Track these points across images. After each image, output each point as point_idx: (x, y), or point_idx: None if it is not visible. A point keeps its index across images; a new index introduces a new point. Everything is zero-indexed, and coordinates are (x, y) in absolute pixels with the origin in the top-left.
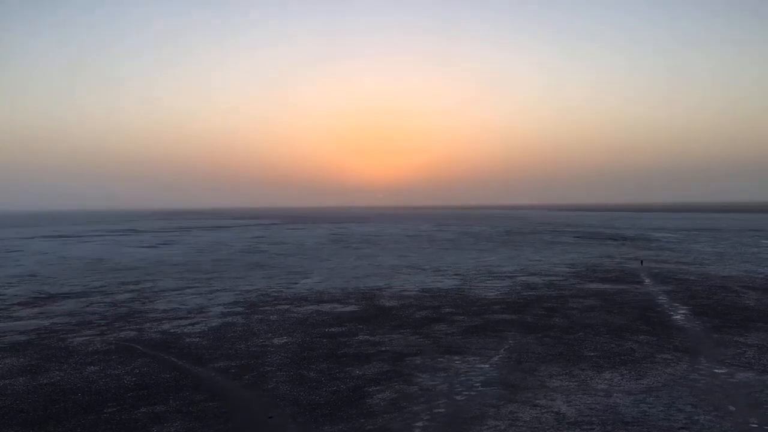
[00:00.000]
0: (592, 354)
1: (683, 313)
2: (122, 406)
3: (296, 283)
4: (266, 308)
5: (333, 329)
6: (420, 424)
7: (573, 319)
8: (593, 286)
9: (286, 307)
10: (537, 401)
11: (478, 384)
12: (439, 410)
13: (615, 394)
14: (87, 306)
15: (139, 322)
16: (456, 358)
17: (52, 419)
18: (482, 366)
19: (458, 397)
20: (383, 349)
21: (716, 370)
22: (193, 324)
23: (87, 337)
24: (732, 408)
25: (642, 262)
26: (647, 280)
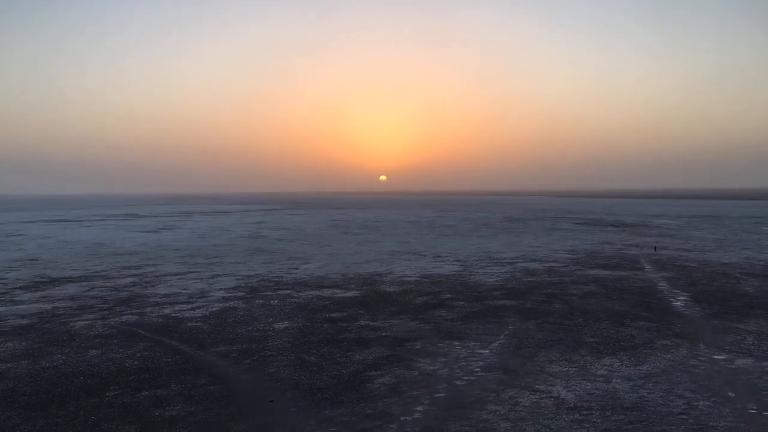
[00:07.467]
0: (592, 340)
1: (683, 300)
2: (124, 390)
3: (297, 269)
4: (267, 293)
5: (334, 314)
6: (420, 408)
7: (573, 305)
8: (593, 272)
9: (287, 292)
10: (537, 386)
11: (478, 369)
12: (439, 395)
13: (614, 380)
14: (88, 290)
15: (141, 306)
16: (456, 343)
17: (54, 402)
18: (482, 351)
19: (458, 382)
20: (384, 334)
21: (716, 357)
22: (194, 308)
23: (89, 321)
24: (731, 394)
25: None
26: (647, 267)
